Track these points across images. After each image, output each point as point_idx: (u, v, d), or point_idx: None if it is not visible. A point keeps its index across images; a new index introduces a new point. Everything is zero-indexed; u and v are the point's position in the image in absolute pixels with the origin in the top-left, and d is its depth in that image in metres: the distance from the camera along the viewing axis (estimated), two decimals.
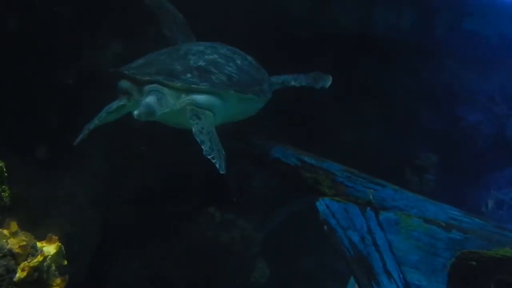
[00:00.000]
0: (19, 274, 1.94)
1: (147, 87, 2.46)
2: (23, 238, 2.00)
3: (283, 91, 3.13)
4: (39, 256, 1.93)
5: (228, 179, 3.88)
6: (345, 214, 2.80)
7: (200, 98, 2.48)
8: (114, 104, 2.58)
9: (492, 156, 4.76)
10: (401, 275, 2.61)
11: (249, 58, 2.91)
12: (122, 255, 3.61)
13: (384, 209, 2.80)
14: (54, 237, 2.02)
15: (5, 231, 2.03)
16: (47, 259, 1.97)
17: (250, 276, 3.91)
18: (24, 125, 3.08)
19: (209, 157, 2.35)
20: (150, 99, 2.41)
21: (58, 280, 2.05)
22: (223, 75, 2.57)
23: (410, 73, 4.40)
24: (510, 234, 2.66)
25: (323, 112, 3.63)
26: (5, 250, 1.97)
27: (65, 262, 2.06)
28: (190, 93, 2.46)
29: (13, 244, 1.97)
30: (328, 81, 3.02)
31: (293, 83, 3.04)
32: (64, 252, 2.08)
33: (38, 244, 2.00)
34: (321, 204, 2.84)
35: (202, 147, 2.36)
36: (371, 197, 2.84)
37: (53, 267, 2.03)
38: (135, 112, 2.40)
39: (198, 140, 2.37)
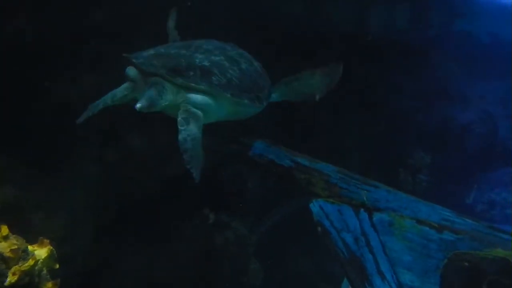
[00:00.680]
0: (10, 278, 1.92)
1: (151, 79, 2.57)
2: (14, 242, 1.98)
3: None
4: (30, 260, 1.91)
5: (223, 180, 3.90)
6: (339, 215, 2.81)
7: (197, 97, 2.59)
8: (119, 92, 2.69)
9: (484, 156, 4.80)
10: (394, 276, 2.62)
11: (256, 64, 2.99)
12: (116, 257, 3.59)
13: (377, 210, 2.80)
14: (45, 240, 2.00)
15: None
16: (39, 263, 1.95)
17: (244, 278, 3.91)
18: (15, 127, 3.06)
19: (187, 166, 2.49)
20: (151, 92, 2.52)
21: (50, 284, 2.03)
22: (224, 78, 2.67)
23: (403, 73, 4.41)
24: (501, 234, 2.68)
25: (316, 113, 3.63)
26: None
27: (57, 266, 2.04)
28: (188, 91, 2.58)
29: (4, 248, 1.95)
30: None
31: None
32: (56, 255, 2.06)
33: (30, 248, 1.98)
34: (315, 206, 2.84)
35: (183, 155, 2.49)
36: (364, 198, 2.84)
37: (45, 271, 2.02)
38: (137, 105, 2.45)
39: (181, 148, 2.49)
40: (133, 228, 3.56)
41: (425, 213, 2.78)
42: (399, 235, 2.70)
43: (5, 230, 2.02)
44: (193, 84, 2.55)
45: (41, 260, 1.96)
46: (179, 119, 2.52)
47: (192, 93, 2.58)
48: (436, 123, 4.73)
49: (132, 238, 3.56)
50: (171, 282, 3.64)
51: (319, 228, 2.80)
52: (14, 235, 2.05)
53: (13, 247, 1.94)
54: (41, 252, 1.96)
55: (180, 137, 2.49)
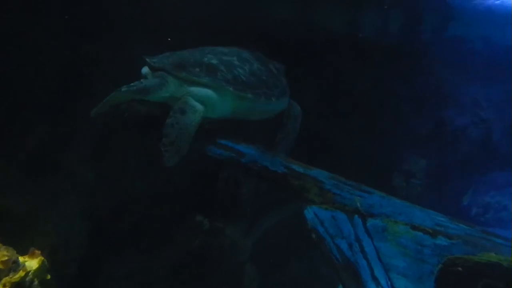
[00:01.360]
0: None
1: (157, 73, 2.74)
2: (5, 253, 1.97)
3: None
4: (21, 271, 1.89)
5: (217, 186, 3.89)
6: (333, 221, 2.80)
7: (198, 90, 2.70)
8: (126, 86, 2.75)
9: (478, 160, 4.82)
10: (389, 282, 2.61)
11: (272, 66, 3.10)
12: (110, 264, 3.57)
13: (371, 216, 2.80)
14: (37, 251, 1.98)
15: None
16: (30, 274, 1.93)
17: (239, 283, 3.89)
18: (7, 135, 3.04)
19: (162, 148, 2.56)
20: (151, 81, 2.69)
21: None
22: (230, 74, 2.77)
23: (397, 78, 4.43)
24: (494, 239, 2.68)
25: (309, 119, 3.64)
26: None
27: (48, 277, 2.02)
28: (191, 85, 2.69)
29: None
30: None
31: (284, 120, 3.19)
32: (48, 266, 2.04)
33: (21, 259, 1.96)
34: (309, 212, 2.84)
35: (163, 138, 2.56)
36: (358, 204, 2.84)
37: (36, 282, 2.00)
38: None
39: (164, 131, 2.57)
40: (127, 234, 3.54)
41: (419, 218, 2.78)
42: (393, 240, 2.70)
43: None
44: (194, 78, 2.65)
45: (32, 271, 1.94)
46: (175, 107, 2.61)
47: (194, 86, 2.68)
48: (430, 127, 4.75)
49: (126, 245, 3.55)
50: None
51: (313, 235, 2.80)
52: (5, 246, 2.03)
53: (3, 258, 1.93)
54: (32, 263, 1.94)
55: (168, 121, 2.57)
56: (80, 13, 3.36)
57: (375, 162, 4.29)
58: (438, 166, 4.59)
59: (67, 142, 3.35)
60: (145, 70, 2.85)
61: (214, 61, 2.79)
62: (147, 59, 2.81)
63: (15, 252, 1.98)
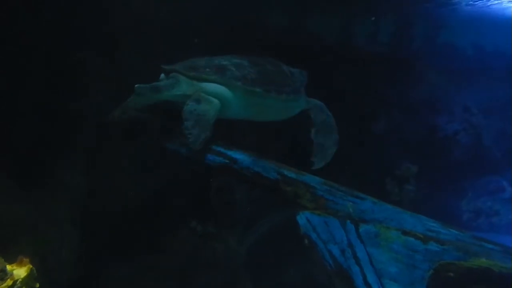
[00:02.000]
0: None
1: (169, 75, 2.90)
2: None
3: None
4: (8, 280, 1.87)
5: (210, 192, 3.89)
6: (325, 227, 2.81)
7: (209, 86, 2.83)
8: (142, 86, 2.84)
9: (470, 165, 4.86)
10: None
11: (285, 68, 3.18)
12: (102, 271, 3.54)
13: (363, 222, 2.81)
14: (25, 259, 1.96)
15: None
16: (17, 282, 1.91)
17: None
18: None
19: (185, 131, 2.67)
20: (163, 81, 2.84)
21: None
22: (239, 73, 2.89)
23: (389, 85, 4.47)
24: (485, 244, 2.71)
25: (302, 126, 3.65)
26: None
27: (37, 285, 2.00)
28: (202, 82, 2.83)
29: None
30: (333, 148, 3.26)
31: (312, 115, 3.31)
32: (36, 274, 2.02)
33: (8, 267, 1.94)
34: (302, 218, 2.84)
35: (184, 123, 2.69)
36: (350, 210, 2.85)
37: None
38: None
39: (184, 116, 2.69)
40: (119, 241, 3.52)
41: (411, 224, 2.80)
42: (385, 246, 2.71)
43: None
44: (204, 75, 2.82)
45: (20, 280, 1.92)
46: (190, 98, 2.75)
47: (205, 83, 2.82)
48: (422, 133, 4.79)
49: (118, 251, 3.53)
50: None
51: (306, 241, 2.80)
52: None
53: None
54: (20, 271, 1.92)
55: (185, 108, 2.72)
56: (75, 17, 3.37)
57: (368, 168, 4.31)
58: (429, 171, 4.62)
59: (56, 148, 3.33)
60: (161, 77, 2.99)
61: (224, 62, 2.94)
62: (162, 66, 2.96)
63: (3, 260, 1.96)
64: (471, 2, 4.64)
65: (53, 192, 3.31)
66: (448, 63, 4.86)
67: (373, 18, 4.51)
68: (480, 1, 4.62)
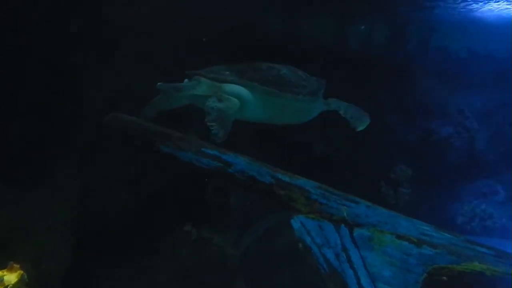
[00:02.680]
0: None
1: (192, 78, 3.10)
2: None
3: None
4: None
5: (205, 195, 3.89)
6: (319, 231, 2.81)
7: (228, 86, 3.01)
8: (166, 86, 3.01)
9: (463, 168, 4.89)
10: None
11: (301, 73, 3.33)
12: (96, 275, 3.52)
13: (358, 226, 2.82)
14: (15, 265, 1.95)
15: None
16: None
17: None
18: None
19: (208, 123, 2.82)
20: (185, 83, 3.04)
21: None
22: (257, 75, 3.08)
23: (383, 88, 4.49)
24: (478, 248, 2.72)
25: (296, 128, 3.67)
26: None
27: None
28: (221, 84, 3.02)
29: None
30: (365, 124, 3.51)
31: (341, 111, 3.50)
32: (27, 280, 2.01)
33: None
34: (296, 222, 2.85)
35: (207, 116, 2.86)
36: (345, 214, 2.85)
37: None
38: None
39: (206, 111, 2.88)
40: (113, 245, 3.51)
41: (405, 227, 2.81)
42: (379, 250, 2.72)
43: None
44: (222, 77, 3.01)
45: (10, 286, 1.90)
46: (212, 97, 2.92)
47: (224, 84, 3.00)
48: (416, 137, 4.81)
49: (112, 256, 3.51)
50: None
51: (300, 245, 2.81)
52: None
53: None
54: (10, 277, 1.90)
55: (207, 104, 2.90)
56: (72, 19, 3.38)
57: (363, 172, 4.32)
58: (424, 175, 4.64)
59: (51, 151, 3.32)
60: (185, 81, 3.17)
61: (242, 67, 3.14)
62: (186, 72, 3.15)
63: None
64: (465, 6, 4.68)
65: (47, 196, 3.30)
66: (442, 66, 4.90)
67: (362, 27, 4.58)
68: (473, 5, 4.66)
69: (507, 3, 4.60)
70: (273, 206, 3.16)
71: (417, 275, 2.61)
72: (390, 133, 4.61)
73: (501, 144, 5.05)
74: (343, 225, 2.82)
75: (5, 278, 1.89)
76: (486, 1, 4.53)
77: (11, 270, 1.93)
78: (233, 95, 2.99)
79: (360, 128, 3.49)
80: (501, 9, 4.79)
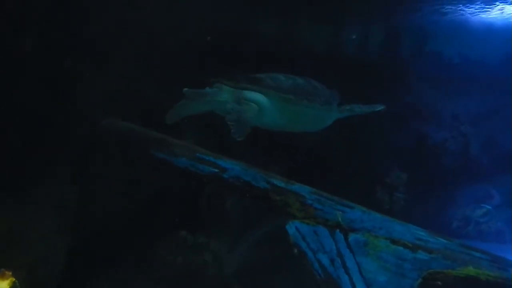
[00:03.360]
0: None
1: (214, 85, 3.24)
2: None
3: None
4: None
5: (200, 201, 3.88)
6: (315, 236, 2.81)
7: (247, 93, 3.16)
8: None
9: (458, 173, 4.91)
10: None
11: (315, 83, 3.47)
12: (91, 281, 3.50)
13: (353, 231, 2.82)
14: (7, 272, 1.93)
15: None
16: None
17: None
18: None
19: (229, 122, 2.96)
20: (208, 89, 3.19)
21: None
22: (274, 83, 3.24)
23: (378, 93, 4.51)
24: (473, 253, 2.72)
25: (292, 134, 3.68)
26: None
27: None
28: (242, 91, 3.17)
29: None
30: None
31: (357, 110, 3.66)
32: (19, 287, 1.99)
33: None
34: (291, 227, 2.84)
35: (227, 116, 3.02)
36: (339, 219, 2.85)
37: None
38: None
39: (227, 110, 3.07)
40: (108, 251, 3.50)
41: (399, 232, 2.80)
42: (374, 255, 2.72)
43: None
44: (242, 84, 3.18)
45: None
46: (230, 102, 3.11)
47: (244, 91, 3.17)
48: (411, 141, 4.83)
49: (107, 261, 3.50)
50: None
51: (296, 250, 2.80)
52: None
53: None
54: (2, 284, 1.89)
55: (227, 106, 3.11)
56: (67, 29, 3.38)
57: (358, 177, 4.33)
58: (419, 179, 4.65)
59: (45, 157, 3.31)
60: (207, 89, 3.32)
61: (261, 75, 3.30)
62: (211, 79, 3.30)
63: None
64: (459, 12, 4.72)
65: (41, 202, 3.29)
66: (436, 71, 4.93)
67: (354, 37, 4.65)
68: (467, 11, 4.70)
69: (500, 9, 4.65)
70: (268, 211, 3.16)
71: (412, 280, 2.61)
72: (385, 138, 4.63)
73: (495, 148, 5.08)
74: (338, 230, 2.81)
75: None
76: (480, 8, 4.57)
77: (2, 277, 1.91)
78: (252, 101, 3.17)
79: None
80: (495, 16, 4.84)
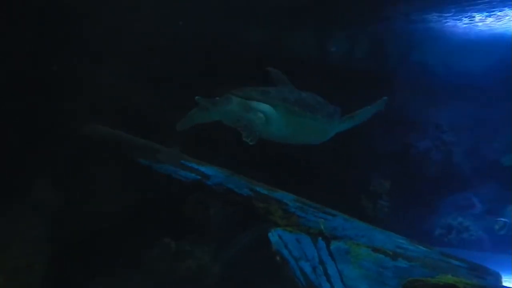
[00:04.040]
0: None
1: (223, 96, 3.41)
2: None
3: None
4: None
5: (184, 208, 3.86)
6: (297, 244, 2.82)
7: (256, 103, 3.30)
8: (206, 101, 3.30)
9: (440, 181, 4.97)
10: None
11: (319, 98, 3.62)
12: None
13: (335, 239, 2.84)
14: None
15: None
16: None
17: None
18: None
19: (239, 128, 3.09)
20: (219, 99, 3.34)
21: None
22: (280, 95, 3.40)
23: (363, 102, 4.55)
24: (452, 261, 2.76)
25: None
26: None
27: None
28: (250, 102, 3.32)
29: None
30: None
31: (359, 116, 3.74)
32: None
33: None
34: (274, 235, 2.85)
35: (237, 123, 3.17)
36: (322, 227, 2.87)
37: None
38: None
39: (237, 118, 3.22)
40: (92, 257, 3.46)
41: (380, 240, 2.84)
42: (356, 263, 2.73)
43: None
44: (249, 95, 3.33)
45: None
46: (239, 111, 3.25)
47: (252, 102, 3.31)
48: (395, 150, 4.88)
49: (91, 268, 3.46)
50: None
51: (278, 258, 2.80)
52: None
53: None
54: None
55: (237, 114, 3.24)
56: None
57: (342, 185, 4.35)
58: (402, 188, 4.70)
59: (29, 165, 3.27)
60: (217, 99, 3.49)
61: (268, 89, 3.45)
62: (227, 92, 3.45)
63: None
64: (444, 22, 4.81)
65: (25, 208, 3.24)
66: (420, 81, 5.00)
67: (333, 49, 4.75)
68: (451, 22, 4.79)
69: (483, 20, 4.75)
70: (251, 219, 3.16)
71: None
72: (369, 146, 4.66)
73: (477, 157, 5.16)
74: (320, 238, 2.83)
75: None
76: (465, 18, 4.66)
77: None
78: (259, 111, 3.32)
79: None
80: (479, 26, 4.94)
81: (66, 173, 3.48)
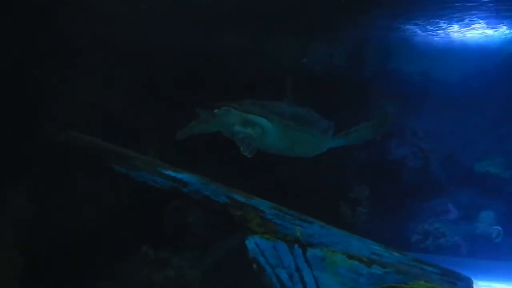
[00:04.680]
0: None
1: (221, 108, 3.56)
2: None
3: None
4: None
5: (162, 216, 3.83)
6: (273, 252, 2.82)
7: (253, 117, 3.47)
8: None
9: (418, 188, 5.05)
10: None
11: (316, 115, 3.78)
12: None
13: (311, 246, 2.85)
14: None
15: None
16: None
17: None
18: None
19: (237, 142, 3.25)
20: (218, 111, 3.49)
21: None
22: (277, 110, 3.56)
23: (341, 108, 4.61)
24: (425, 267, 2.80)
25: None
26: None
27: None
28: (247, 115, 3.49)
29: None
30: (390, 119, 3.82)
31: (353, 135, 3.81)
32: None
33: None
34: (250, 242, 2.84)
35: (235, 137, 3.34)
36: (298, 234, 2.88)
37: None
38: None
39: (235, 131, 3.39)
40: (67, 267, 3.40)
41: (356, 247, 2.86)
42: (331, 270, 2.75)
43: None
44: (247, 108, 3.49)
45: None
46: (237, 125, 3.41)
47: (249, 115, 3.48)
48: (373, 157, 4.94)
49: (66, 278, 3.40)
50: None
51: (254, 265, 2.80)
52: None
53: None
54: None
55: (235, 128, 3.42)
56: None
57: (322, 191, 4.39)
58: (380, 194, 4.76)
59: (4, 173, 3.21)
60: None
61: (265, 103, 3.62)
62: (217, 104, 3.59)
63: None
64: (422, 30, 4.91)
65: None
66: (398, 88, 5.09)
67: (304, 60, 4.85)
68: (430, 30, 4.90)
69: (459, 29, 4.87)
70: (228, 226, 3.16)
71: None
72: (347, 153, 4.71)
73: (453, 165, 5.26)
74: (296, 245, 2.84)
75: None
76: (444, 26, 4.77)
77: None
78: (256, 124, 3.49)
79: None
80: (452, 35, 5.07)
81: (41, 180, 3.42)
